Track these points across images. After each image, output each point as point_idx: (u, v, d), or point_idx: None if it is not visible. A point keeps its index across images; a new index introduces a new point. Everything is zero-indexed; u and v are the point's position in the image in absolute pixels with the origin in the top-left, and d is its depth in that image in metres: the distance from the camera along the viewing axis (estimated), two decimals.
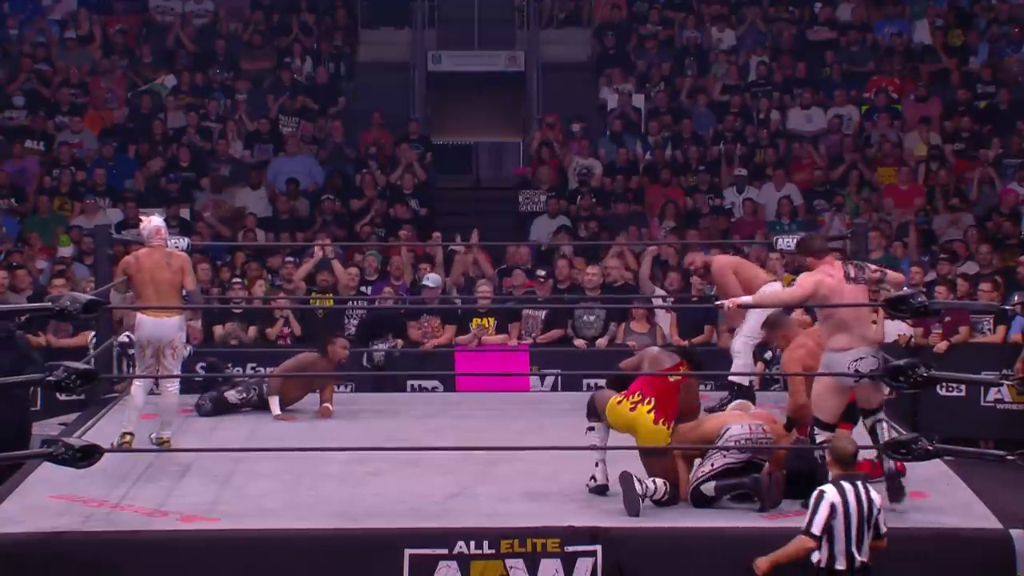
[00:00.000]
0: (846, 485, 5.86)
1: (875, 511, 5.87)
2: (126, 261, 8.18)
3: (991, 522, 6.61)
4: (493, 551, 6.31)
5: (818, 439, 6.80)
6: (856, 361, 6.69)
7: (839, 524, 5.80)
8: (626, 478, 6.69)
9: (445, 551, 6.31)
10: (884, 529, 5.94)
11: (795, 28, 15.91)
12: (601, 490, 6.96)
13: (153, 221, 8.27)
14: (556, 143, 14.69)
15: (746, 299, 7.35)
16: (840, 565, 5.81)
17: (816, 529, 5.81)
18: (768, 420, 7.02)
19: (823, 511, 5.80)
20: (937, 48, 15.54)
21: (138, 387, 8.01)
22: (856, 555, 5.82)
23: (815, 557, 5.83)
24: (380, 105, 15.35)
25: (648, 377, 7.00)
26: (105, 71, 15.21)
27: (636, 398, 6.89)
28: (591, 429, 7.07)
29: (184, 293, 8.02)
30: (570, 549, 6.34)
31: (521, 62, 16.46)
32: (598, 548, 6.35)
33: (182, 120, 14.71)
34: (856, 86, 15.17)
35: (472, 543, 6.32)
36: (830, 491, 5.85)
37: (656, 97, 15.19)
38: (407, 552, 6.31)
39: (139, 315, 8.02)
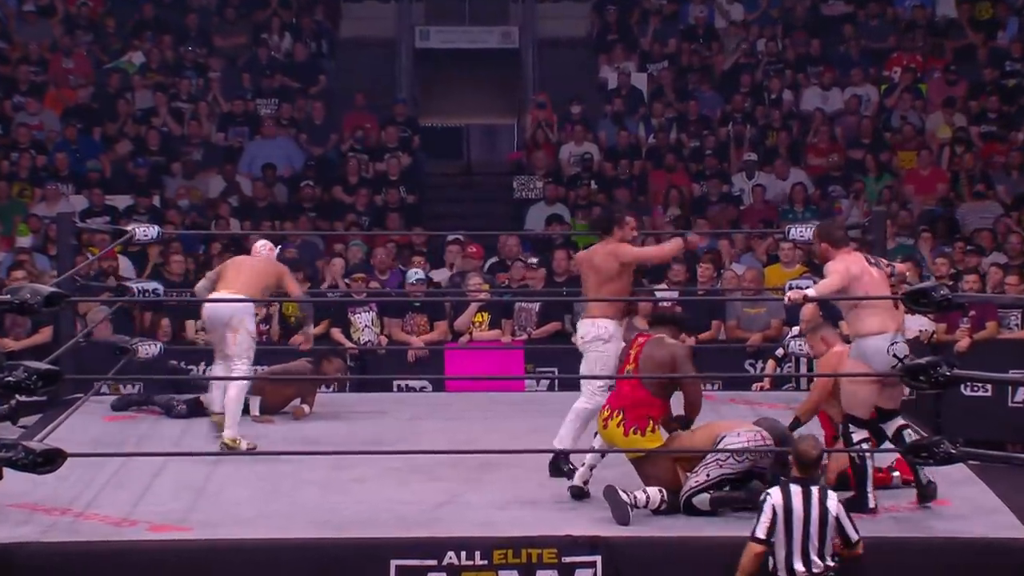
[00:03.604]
0: (794, 488, 6.03)
1: (830, 518, 6.01)
2: (228, 260, 8.90)
3: (1019, 531, 6.64)
4: (485, 562, 6.34)
5: (855, 438, 6.86)
6: (893, 345, 6.78)
7: (780, 529, 5.97)
8: (609, 491, 6.74)
9: (434, 562, 6.33)
10: (855, 537, 6.08)
11: (809, 1, 15.92)
12: (578, 491, 7.01)
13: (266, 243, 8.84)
14: (552, 125, 14.68)
15: (810, 291, 7.03)
16: (783, 573, 5.96)
17: (761, 533, 6.01)
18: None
19: (766, 514, 6.01)
20: (963, 22, 15.56)
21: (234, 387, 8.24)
22: (798, 565, 5.92)
23: (770, 564, 5.98)
24: (364, 85, 15.35)
25: (615, 387, 7.03)
26: (67, 47, 15.19)
27: (605, 414, 6.95)
28: (597, 433, 7.11)
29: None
30: (568, 560, 6.37)
31: (516, 38, 16.46)
32: (598, 558, 6.38)
33: (151, 100, 14.70)
34: (875, 64, 15.19)
35: (463, 553, 6.34)
36: (774, 493, 6.04)
37: (660, 76, 15.20)
38: (393, 564, 6.33)
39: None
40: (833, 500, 6.09)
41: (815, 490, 6.06)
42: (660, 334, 7.08)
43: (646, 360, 6.93)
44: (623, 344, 7.25)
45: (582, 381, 7.39)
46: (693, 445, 6.93)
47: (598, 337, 7.27)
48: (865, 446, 6.89)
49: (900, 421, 6.99)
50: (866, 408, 6.89)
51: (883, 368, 6.82)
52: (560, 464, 7.43)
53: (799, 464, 6.13)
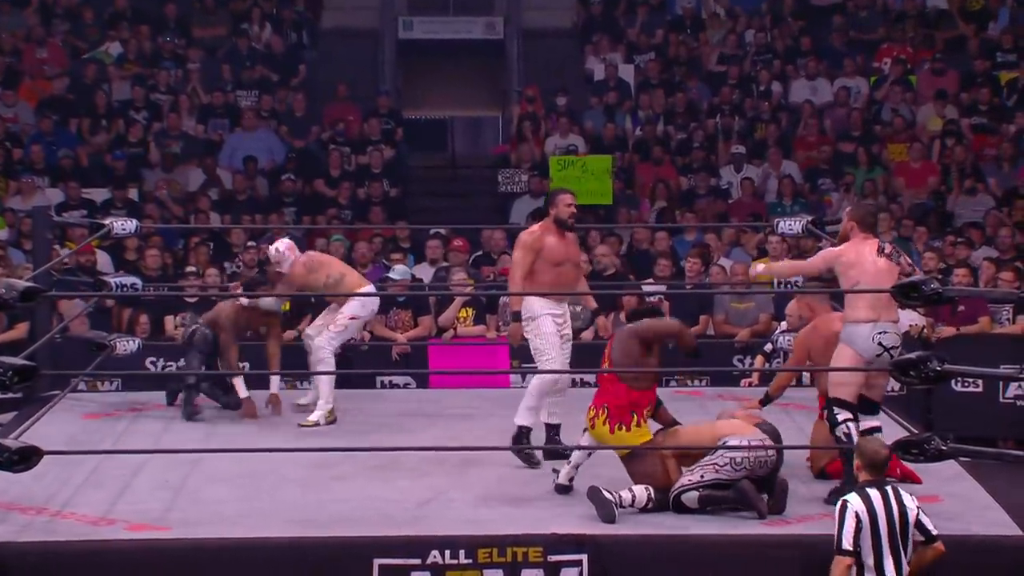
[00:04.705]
0: (872, 492, 5.88)
1: (910, 518, 5.88)
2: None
3: (1010, 528, 6.65)
4: (470, 561, 6.33)
5: (839, 418, 6.91)
6: (880, 334, 6.82)
7: (866, 536, 5.82)
8: (592, 491, 6.74)
9: (418, 561, 6.32)
10: (934, 531, 5.95)
11: None
12: (563, 489, 7.04)
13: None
14: (539, 118, 14.67)
15: (760, 266, 7.59)
16: None
17: (847, 543, 5.83)
18: (751, 421, 7.05)
19: (849, 523, 5.82)
20: (953, 13, 15.60)
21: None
22: (887, 569, 5.82)
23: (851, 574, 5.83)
24: (346, 76, 15.33)
25: (598, 385, 7.04)
26: (42, 37, 15.13)
27: (592, 413, 6.94)
28: (586, 430, 7.11)
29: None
30: (554, 558, 6.36)
31: (500, 29, 16.45)
32: (584, 557, 6.37)
33: (128, 92, 14.66)
34: (865, 55, 15.21)
35: (447, 552, 6.33)
36: (854, 500, 5.87)
37: (647, 67, 15.21)
38: (376, 562, 6.32)
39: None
40: (909, 497, 5.97)
41: (890, 490, 5.92)
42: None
43: (616, 353, 6.95)
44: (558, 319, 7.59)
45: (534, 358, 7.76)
46: (694, 442, 6.93)
47: (528, 317, 7.61)
48: (852, 426, 6.92)
49: (876, 422, 7.03)
50: (851, 391, 6.96)
51: (867, 354, 6.86)
52: (521, 437, 7.58)
53: (870, 466, 5.94)
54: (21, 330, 10.13)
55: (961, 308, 10.59)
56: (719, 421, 7.10)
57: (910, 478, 7.28)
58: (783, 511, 6.80)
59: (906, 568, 5.85)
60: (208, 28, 15.60)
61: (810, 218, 9.40)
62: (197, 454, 7.77)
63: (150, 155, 13.97)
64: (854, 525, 5.81)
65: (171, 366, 10.29)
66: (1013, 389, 10.40)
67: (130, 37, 15.21)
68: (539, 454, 7.56)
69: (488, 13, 16.63)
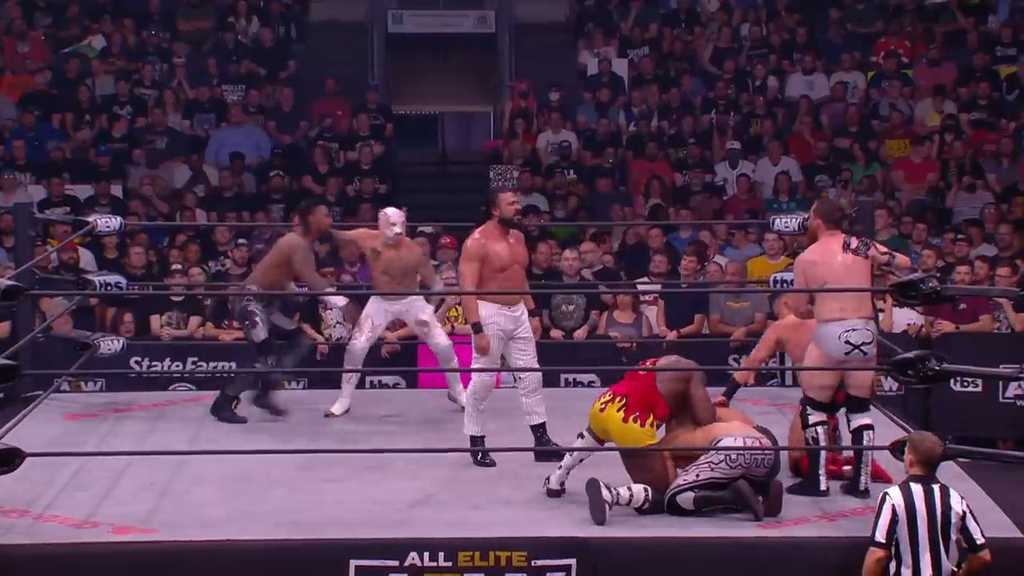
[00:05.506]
0: (915, 487, 5.87)
1: (952, 519, 5.88)
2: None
3: (1010, 531, 6.66)
4: (449, 564, 6.32)
5: (811, 420, 7.00)
6: (847, 332, 6.84)
7: (903, 531, 5.82)
8: (592, 484, 6.71)
9: (395, 563, 6.32)
10: (980, 540, 5.93)
11: None
12: (554, 494, 7.04)
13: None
14: (531, 114, 14.68)
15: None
16: None
17: (880, 536, 5.84)
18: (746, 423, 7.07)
19: (885, 515, 5.83)
20: (952, 6, 15.62)
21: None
22: (923, 566, 5.82)
23: (891, 570, 5.83)
24: (334, 71, 15.32)
25: (624, 378, 7.03)
26: (24, 31, 15.10)
27: (606, 398, 6.92)
28: (581, 436, 7.10)
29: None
30: (539, 563, 6.33)
31: (492, 23, 16.45)
32: (572, 562, 6.35)
33: (112, 87, 14.64)
34: (862, 49, 15.23)
35: (426, 554, 6.33)
36: (894, 493, 5.88)
37: (641, 62, 15.21)
38: (352, 564, 6.33)
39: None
40: (957, 498, 5.94)
41: (936, 488, 5.90)
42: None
43: (665, 372, 6.96)
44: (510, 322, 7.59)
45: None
46: (688, 443, 6.93)
47: (475, 322, 7.67)
48: (820, 429, 7.00)
49: (866, 419, 7.05)
50: (822, 391, 7.01)
51: (835, 354, 6.89)
52: (475, 445, 7.67)
53: (922, 463, 5.92)
54: (3, 329, 10.11)
55: (962, 306, 10.61)
56: (717, 422, 7.11)
57: None
58: (779, 513, 6.81)
59: (946, 566, 5.85)
60: (193, 21, 15.58)
61: (807, 215, 9.40)
62: (182, 456, 7.77)
63: (134, 151, 13.95)
64: (889, 518, 5.83)
65: (156, 366, 10.28)
66: (1013, 389, 10.41)
67: (113, 31, 15.20)
68: (492, 456, 7.62)
69: (479, 6, 16.63)
